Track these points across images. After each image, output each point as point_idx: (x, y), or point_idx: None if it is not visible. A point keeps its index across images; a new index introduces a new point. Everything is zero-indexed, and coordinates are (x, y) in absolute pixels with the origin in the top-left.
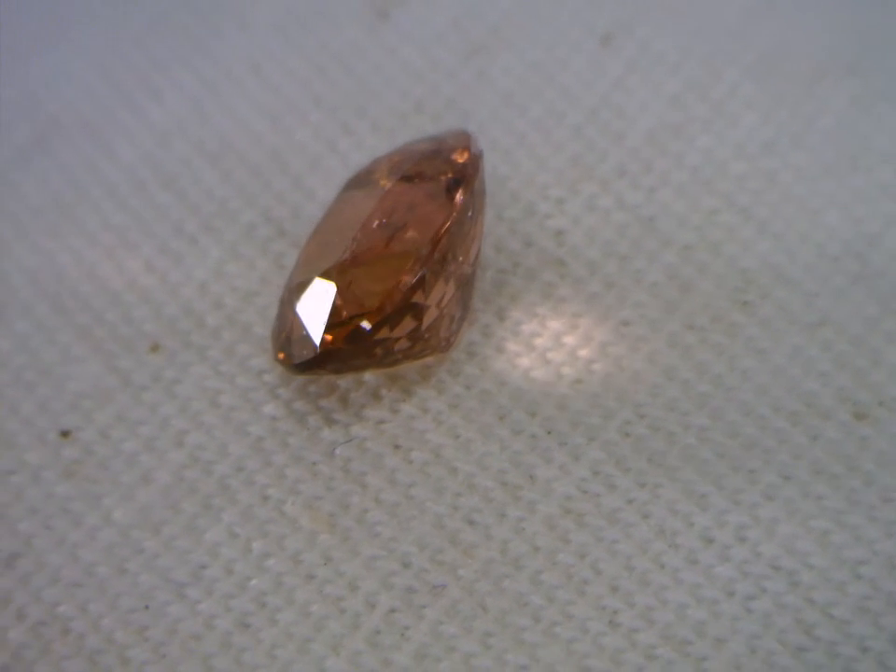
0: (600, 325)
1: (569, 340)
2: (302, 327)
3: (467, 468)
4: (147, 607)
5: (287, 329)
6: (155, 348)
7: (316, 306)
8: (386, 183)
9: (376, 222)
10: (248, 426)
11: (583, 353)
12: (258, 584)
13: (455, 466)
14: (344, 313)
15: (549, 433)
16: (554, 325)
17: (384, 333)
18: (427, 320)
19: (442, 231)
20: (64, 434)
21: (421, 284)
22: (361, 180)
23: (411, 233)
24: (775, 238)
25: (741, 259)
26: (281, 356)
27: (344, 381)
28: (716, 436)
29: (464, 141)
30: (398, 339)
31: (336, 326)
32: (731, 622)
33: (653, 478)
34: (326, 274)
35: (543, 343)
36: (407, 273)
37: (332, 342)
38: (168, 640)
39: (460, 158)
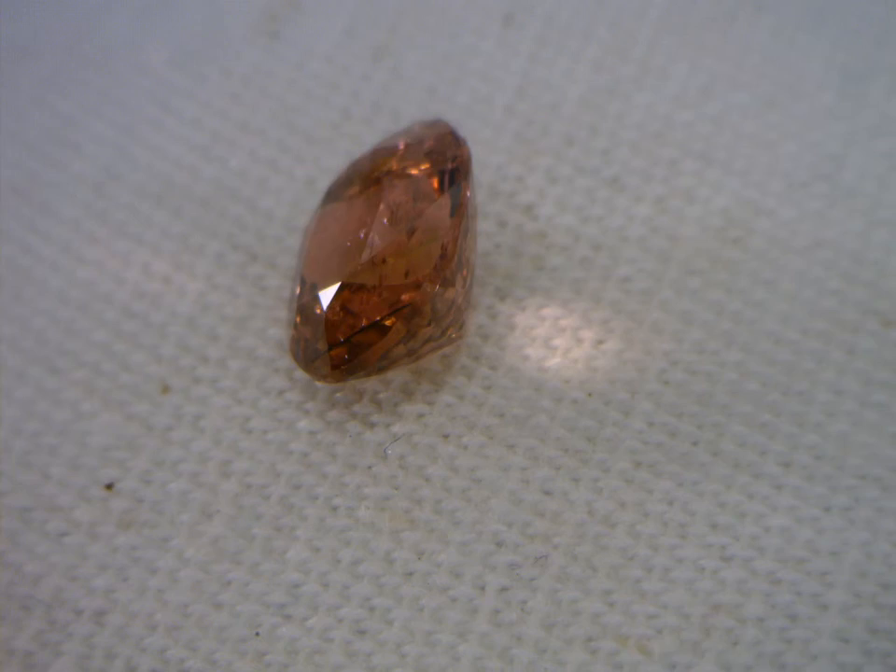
0: (602, 285)
1: (577, 305)
2: (335, 332)
3: (524, 441)
4: (257, 634)
5: (313, 339)
6: (165, 389)
7: (348, 308)
8: (379, 184)
9: (386, 219)
10: (289, 444)
11: (595, 315)
12: (359, 590)
13: (511, 443)
14: (379, 312)
15: (589, 395)
16: (557, 294)
17: (416, 326)
18: (453, 310)
19: (458, 224)
20: (108, 487)
21: (447, 280)
22: (344, 188)
23: (426, 225)
24: (741, 175)
25: (715, 200)
26: (310, 368)
27: (369, 384)
28: (754, 367)
29: (443, 129)
30: (429, 330)
31: (373, 325)
32: (838, 534)
33: (709, 417)
34: (353, 276)
35: (552, 313)
36: (433, 267)
37: (370, 341)
38: (291, 661)
39: (451, 147)
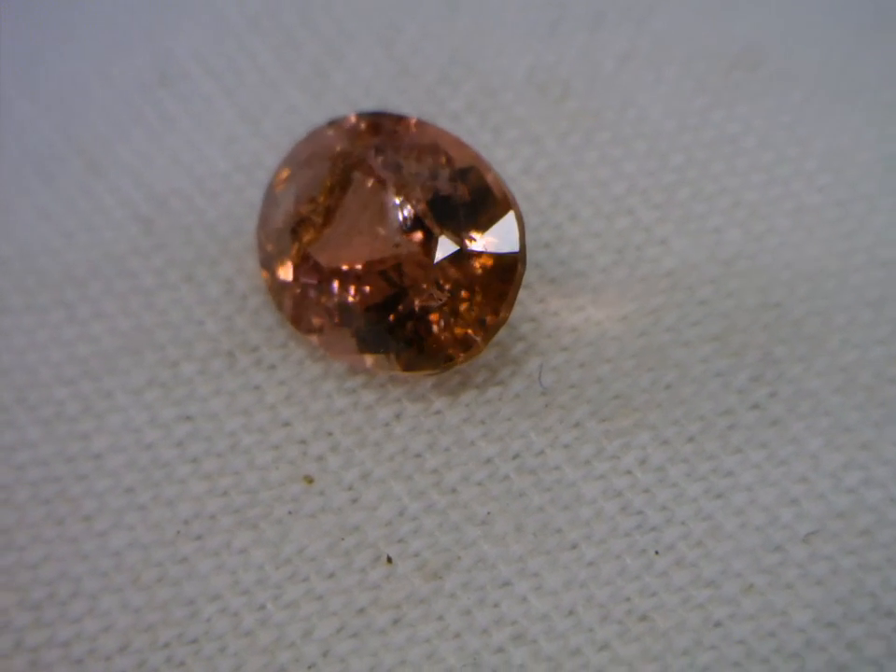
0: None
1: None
2: (454, 306)
3: (643, 323)
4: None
5: (437, 331)
6: (309, 480)
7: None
8: (374, 179)
9: (401, 199)
10: (460, 441)
11: (580, 212)
12: (670, 476)
13: (640, 331)
14: (478, 280)
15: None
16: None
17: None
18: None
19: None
20: (389, 561)
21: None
22: (324, 194)
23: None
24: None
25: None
26: (425, 367)
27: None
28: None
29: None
30: None
31: (477, 295)
32: None
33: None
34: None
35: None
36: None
37: (484, 313)
38: (695, 576)
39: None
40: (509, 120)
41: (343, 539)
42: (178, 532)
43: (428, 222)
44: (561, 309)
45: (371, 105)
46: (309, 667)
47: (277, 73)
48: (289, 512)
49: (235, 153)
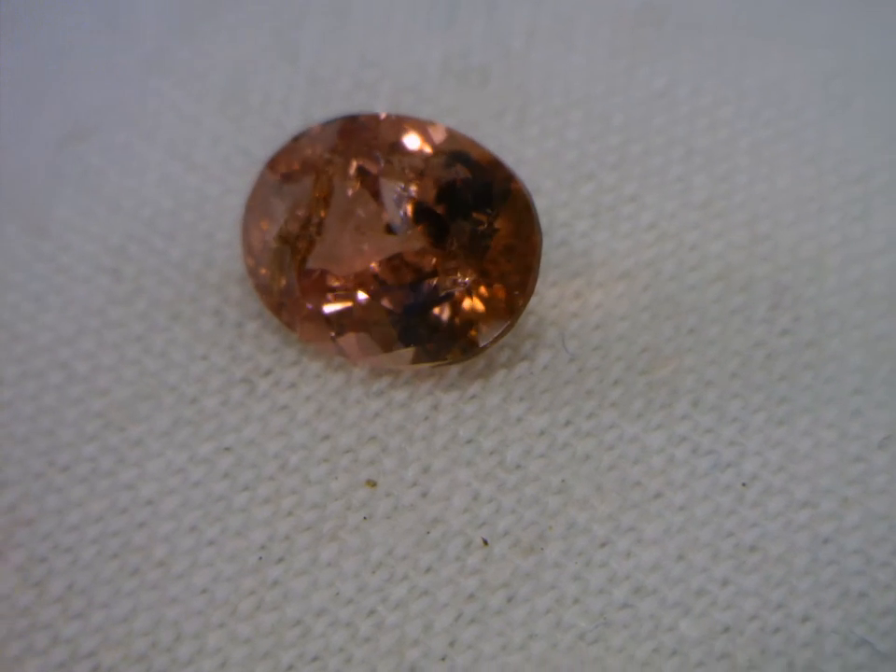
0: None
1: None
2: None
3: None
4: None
5: (459, 321)
6: (371, 484)
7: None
8: (363, 180)
9: (396, 195)
10: (507, 418)
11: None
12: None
13: (644, 283)
14: (496, 265)
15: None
16: None
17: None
18: None
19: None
20: (485, 542)
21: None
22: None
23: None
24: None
25: None
26: (452, 355)
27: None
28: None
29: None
30: None
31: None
32: None
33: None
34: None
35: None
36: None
37: (503, 292)
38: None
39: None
40: (439, 112)
41: (427, 532)
42: (260, 558)
43: (436, 210)
44: (558, 279)
45: (295, 121)
46: (442, 659)
47: (190, 106)
48: (364, 518)
49: (175, 191)
